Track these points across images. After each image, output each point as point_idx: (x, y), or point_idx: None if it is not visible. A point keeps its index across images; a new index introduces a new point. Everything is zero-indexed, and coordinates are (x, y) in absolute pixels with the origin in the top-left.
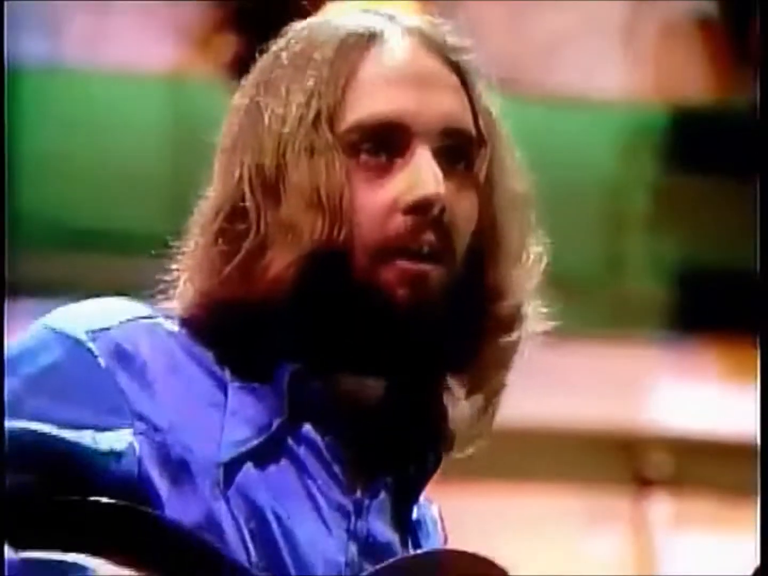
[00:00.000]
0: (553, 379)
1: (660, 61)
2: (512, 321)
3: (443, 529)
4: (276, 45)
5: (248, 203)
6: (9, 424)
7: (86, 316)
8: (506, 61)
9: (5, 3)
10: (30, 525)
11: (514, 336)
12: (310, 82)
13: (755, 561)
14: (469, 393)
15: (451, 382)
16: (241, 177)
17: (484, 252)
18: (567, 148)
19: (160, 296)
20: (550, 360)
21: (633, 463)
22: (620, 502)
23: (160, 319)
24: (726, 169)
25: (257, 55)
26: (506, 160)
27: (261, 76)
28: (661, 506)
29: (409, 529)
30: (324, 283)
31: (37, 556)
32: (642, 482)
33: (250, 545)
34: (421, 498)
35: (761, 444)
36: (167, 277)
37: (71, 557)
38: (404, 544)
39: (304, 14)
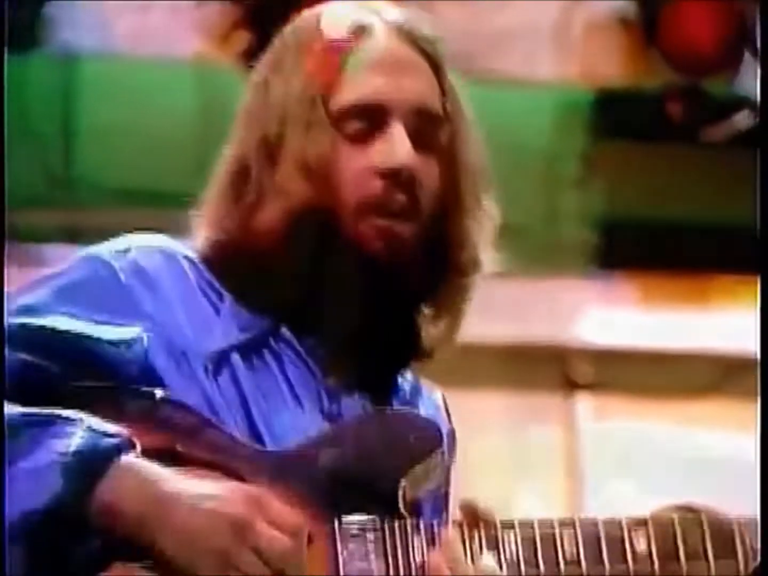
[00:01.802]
0: (502, 306)
1: (586, 51)
2: (469, 265)
3: (449, 418)
4: (284, 31)
5: (252, 166)
6: (41, 321)
7: (113, 244)
8: (462, 51)
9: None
10: (46, 401)
11: (471, 277)
12: (309, 66)
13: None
14: (437, 318)
15: (424, 309)
16: (248, 143)
17: (446, 210)
18: (511, 122)
19: (185, 235)
20: (500, 290)
21: (564, 371)
22: (554, 400)
23: (175, 245)
24: (639, 137)
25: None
26: (467, 135)
27: (270, 57)
28: (585, 404)
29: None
30: (313, 234)
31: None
32: (571, 385)
33: (239, 422)
34: (423, 384)
35: (761, 444)
36: (191, 221)
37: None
38: None
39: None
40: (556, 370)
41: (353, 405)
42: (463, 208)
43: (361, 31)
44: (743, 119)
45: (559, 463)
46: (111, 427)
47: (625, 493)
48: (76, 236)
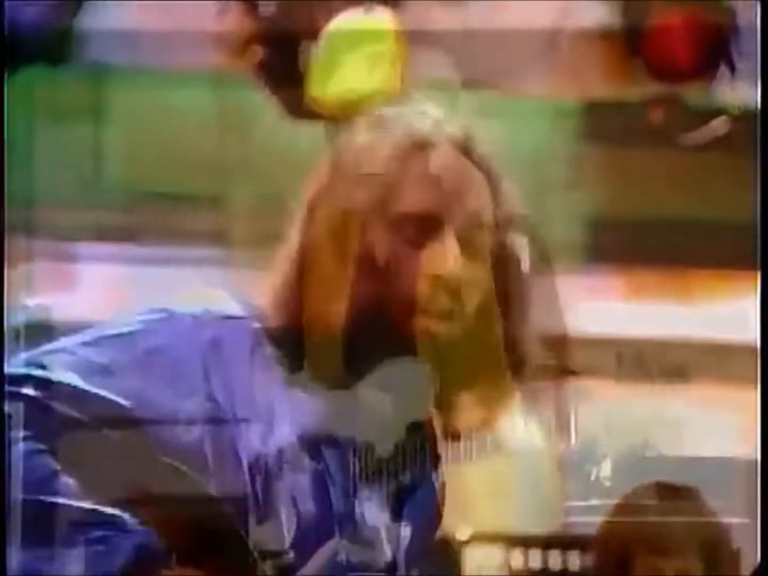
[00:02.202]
0: None
1: (575, 63)
2: (513, 366)
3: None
4: (351, 132)
5: (316, 258)
6: (110, 388)
7: (188, 305)
8: (463, 65)
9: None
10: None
11: (513, 377)
12: (372, 173)
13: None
14: (476, 405)
15: (464, 396)
16: (311, 236)
17: (492, 312)
18: (507, 128)
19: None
20: None
21: (557, 356)
22: (545, 384)
23: (248, 320)
24: (624, 142)
25: (281, 58)
26: (518, 241)
27: (336, 158)
28: (573, 385)
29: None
30: (365, 325)
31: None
32: (562, 370)
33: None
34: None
35: (762, 443)
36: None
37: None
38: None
39: (315, 33)
40: (550, 357)
41: (377, 512)
42: (508, 311)
43: (423, 145)
44: (719, 125)
45: (550, 445)
46: (156, 541)
47: (611, 474)
48: (103, 234)
